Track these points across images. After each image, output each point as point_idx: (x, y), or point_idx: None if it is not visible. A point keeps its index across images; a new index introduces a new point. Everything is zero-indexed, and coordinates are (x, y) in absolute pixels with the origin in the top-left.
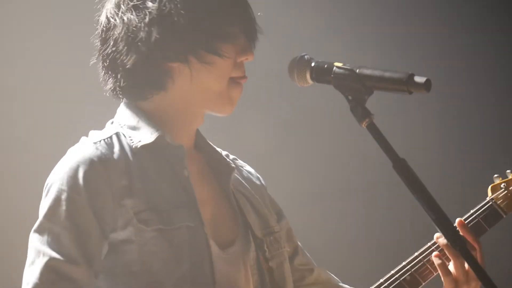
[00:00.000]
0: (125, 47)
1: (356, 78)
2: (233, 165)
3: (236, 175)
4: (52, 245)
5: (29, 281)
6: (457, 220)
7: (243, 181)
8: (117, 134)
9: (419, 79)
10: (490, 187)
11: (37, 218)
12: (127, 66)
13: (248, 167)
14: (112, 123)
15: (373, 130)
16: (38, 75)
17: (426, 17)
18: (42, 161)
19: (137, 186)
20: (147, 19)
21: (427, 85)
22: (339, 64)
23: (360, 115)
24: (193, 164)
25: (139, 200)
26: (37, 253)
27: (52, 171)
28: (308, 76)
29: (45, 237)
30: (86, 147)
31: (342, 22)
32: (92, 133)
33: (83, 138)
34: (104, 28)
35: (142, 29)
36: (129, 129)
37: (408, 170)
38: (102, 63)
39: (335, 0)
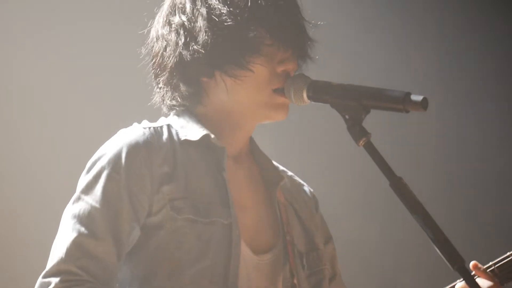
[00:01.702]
0: (160, 61)
1: (353, 97)
2: (282, 175)
3: (288, 187)
4: (83, 219)
5: (55, 253)
6: (472, 263)
7: (296, 196)
8: (169, 126)
9: (416, 97)
10: None
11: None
12: (162, 80)
13: (306, 187)
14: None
15: (370, 149)
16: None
17: (427, 36)
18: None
19: (178, 175)
20: (173, 34)
21: (424, 104)
22: (336, 83)
23: (357, 134)
24: (241, 169)
25: (177, 188)
26: (68, 226)
27: (99, 149)
28: (305, 95)
29: (78, 211)
30: (134, 131)
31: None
32: (145, 121)
33: (135, 124)
34: (150, 40)
35: (170, 43)
36: (179, 126)
37: (405, 189)
38: (151, 73)
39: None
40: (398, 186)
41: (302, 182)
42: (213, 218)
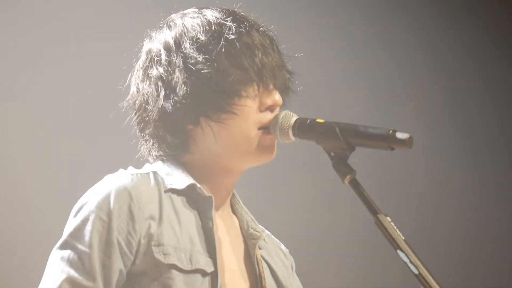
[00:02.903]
0: (144, 115)
1: (338, 135)
2: (261, 233)
3: (266, 245)
4: (73, 263)
5: None
6: None
7: (273, 254)
8: (155, 173)
9: (401, 135)
10: None
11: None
12: (148, 132)
13: (282, 246)
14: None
15: (355, 186)
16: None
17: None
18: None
19: (163, 222)
20: (152, 87)
21: (409, 142)
22: (321, 121)
23: (342, 171)
24: (223, 219)
25: (162, 235)
26: (57, 269)
27: (85, 194)
28: (290, 133)
29: (67, 255)
30: (122, 176)
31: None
32: (131, 168)
33: (121, 170)
34: (131, 95)
35: (151, 97)
36: (164, 174)
37: (390, 226)
38: (136, 127)
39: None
40: (383, 223)
41: (278, 241)
42: (197, 266)
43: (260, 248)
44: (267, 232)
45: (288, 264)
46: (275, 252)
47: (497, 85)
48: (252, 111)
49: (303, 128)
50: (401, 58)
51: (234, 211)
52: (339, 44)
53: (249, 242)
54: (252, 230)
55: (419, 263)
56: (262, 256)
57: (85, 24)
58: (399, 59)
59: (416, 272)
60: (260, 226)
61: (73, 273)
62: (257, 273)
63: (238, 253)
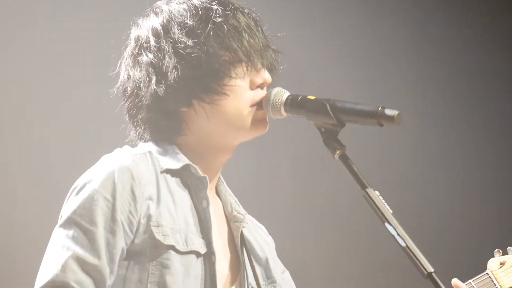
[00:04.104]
0: (136, 101)
1: (328, 112)
2: (244, 216)
3: (248, 226)
4: (78, 240)
5: (49, 270)
6: (453, 280)
7: (255, 234)
8: (150, 153)
9: (389, 112)
10: (489, 260)
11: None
12: (140, 117)
13: (258, 223)
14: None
15: (345, 161)
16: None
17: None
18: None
19: (161, 203)
20: (144, 73)
21: (397, 119)
22: (312, 97)
23: (332, 147)
24: (212, 201)
25: (161, 216)
26: (61, 246)
27: (86, 173)
28: (282, 108)
29: (71, 232)
30: (123, 157)
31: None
32: (127, 147)
33: (118, 149)
34: (121, 82)
35: (143, 83)
36: (159, 154)
37: (378, 199)
38: (125, 114)
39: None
40: (372, 196)
41: (256, 221)
42: (191, 248)
43: (242, 227)
44: (249, 215)
45: (269, 241)
46: (255, 231)
47: (490, 73)
48: (244, 90)
49: (295, 104)
50: (391, 36)
51: (217, 193)
52: (330, 22)
53: (233, 224)
54: (235, 212)
55: (406, 236)
56: (244, 235)
57: (72, 16)
58: (389, 37)
59: (403, 244)
60: (242, 209)
61: (78, 250)
62: (239, 255)
63: (222, 234)
